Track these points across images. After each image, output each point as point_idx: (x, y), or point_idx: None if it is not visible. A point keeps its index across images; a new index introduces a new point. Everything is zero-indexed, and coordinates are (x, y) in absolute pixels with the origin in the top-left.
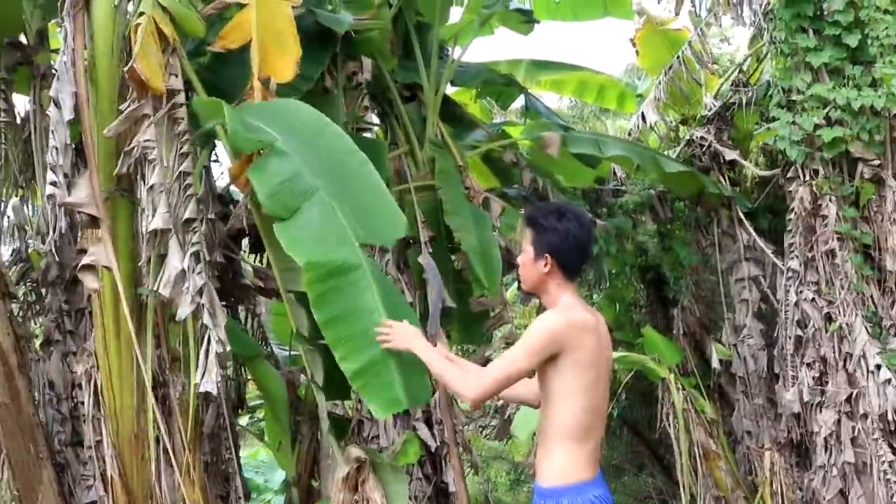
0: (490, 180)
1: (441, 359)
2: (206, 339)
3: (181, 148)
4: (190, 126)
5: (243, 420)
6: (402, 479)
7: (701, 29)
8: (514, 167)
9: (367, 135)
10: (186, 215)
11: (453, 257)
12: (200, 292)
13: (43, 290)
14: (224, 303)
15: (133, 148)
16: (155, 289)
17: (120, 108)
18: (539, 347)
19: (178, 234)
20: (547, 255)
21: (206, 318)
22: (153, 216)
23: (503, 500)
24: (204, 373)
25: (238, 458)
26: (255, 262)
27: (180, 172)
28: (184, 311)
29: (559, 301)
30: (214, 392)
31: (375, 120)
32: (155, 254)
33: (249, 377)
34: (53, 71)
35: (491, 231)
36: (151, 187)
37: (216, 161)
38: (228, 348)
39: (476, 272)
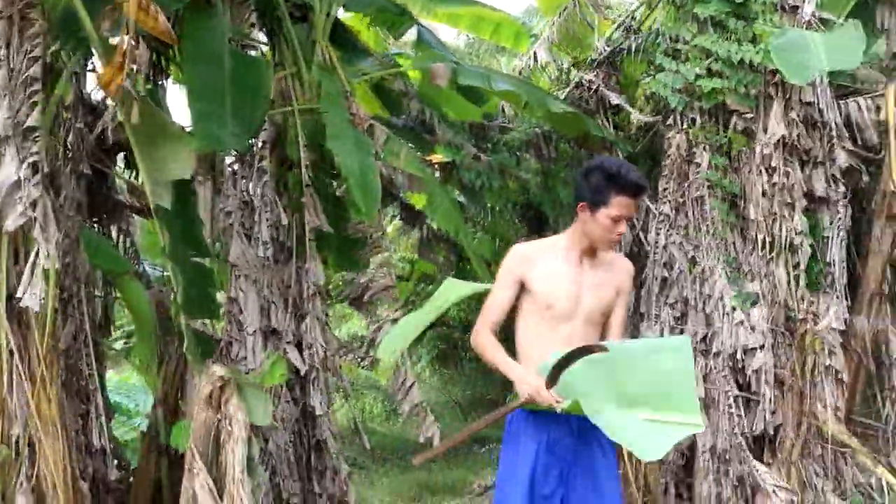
0: (379, 110)
1: None
2: (34, 252)
3: (31, 51)
4: (46, 29)
5: (119, 344)
6: (265, 399)
7: None
8: (404, 97)
9: (253, 53)
10: (28, 123)
11: (334, 182)
12: (34, 205)
13: None
14: (95, 219)
15: None
16: None
17: None
18: None
19: (16, 142)
20: None
21: (36, 232)
22: None
23: (378, 431)
24: (27, 288)
25: (102, 376)
26: (130, 178)
27: (27, 77)
28: (12, 222)
29: None
30: (37, 308)
31: (263, 39)
32: None
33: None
34: None
35: (372, 158)
36: None
37: (92, 71)
38: (58, 265)
39: (355, 197)
